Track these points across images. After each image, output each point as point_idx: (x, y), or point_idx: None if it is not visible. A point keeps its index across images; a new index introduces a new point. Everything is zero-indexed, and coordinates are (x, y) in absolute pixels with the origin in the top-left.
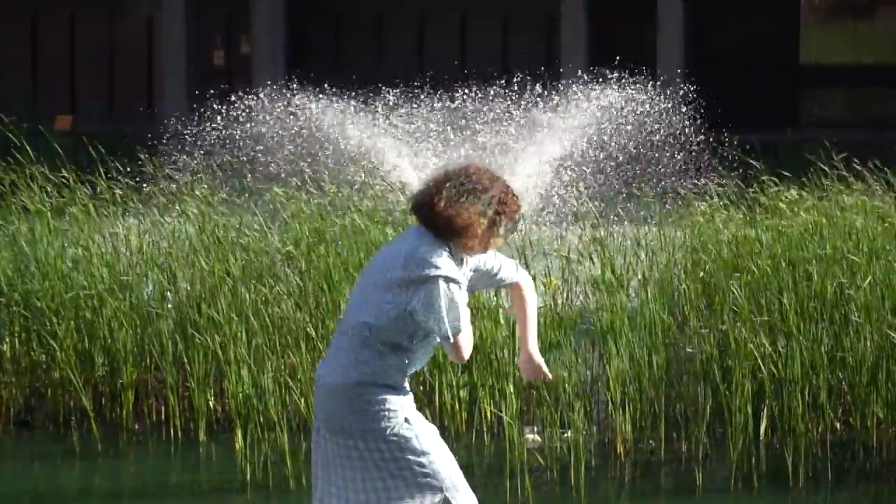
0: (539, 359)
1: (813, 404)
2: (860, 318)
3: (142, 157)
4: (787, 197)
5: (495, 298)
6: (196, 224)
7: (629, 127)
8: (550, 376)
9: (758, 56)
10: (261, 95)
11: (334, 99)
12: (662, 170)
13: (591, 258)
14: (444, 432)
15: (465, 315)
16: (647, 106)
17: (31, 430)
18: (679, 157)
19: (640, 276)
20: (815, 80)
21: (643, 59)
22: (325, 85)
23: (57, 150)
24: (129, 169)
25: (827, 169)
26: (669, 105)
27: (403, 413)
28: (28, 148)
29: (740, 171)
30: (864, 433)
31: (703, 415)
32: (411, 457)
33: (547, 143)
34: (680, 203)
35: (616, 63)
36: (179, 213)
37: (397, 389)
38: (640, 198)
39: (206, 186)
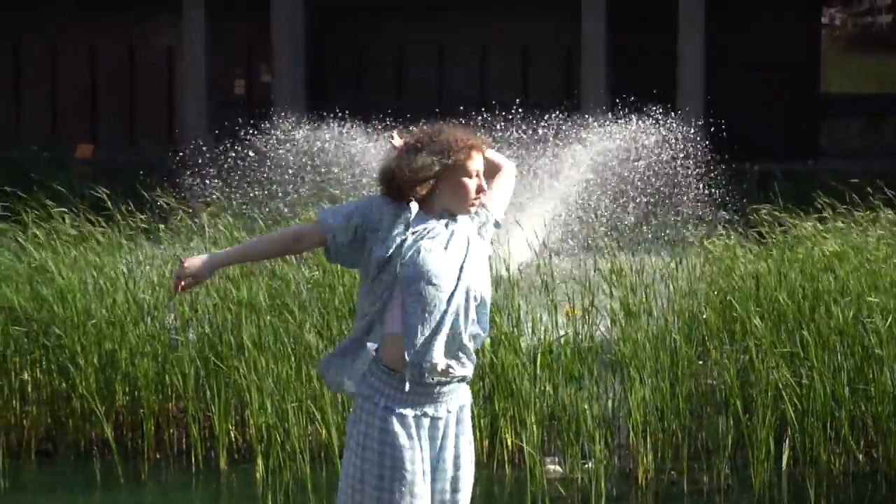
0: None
1: (835, 436)
2: (882, 350)
3: (163, 186)
4: (805, 228)
5: (515, 329)
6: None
7: (648, 160)
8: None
9: (778, 86)
10: (281, 124)
11: (354, 128)
12: (682, 201)
13: (612, 288)
14: None
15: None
16: (667, 139)
17: (52, 460)
18: (699, 189)
19: (661, 306)
20: (835, 110)
21: (663, 91)
22: (346, 114)
23: (77, 179)
24: (149, 198)
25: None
26: (689, 137)
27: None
28: (49, 178)
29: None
30: (886, 464)
31: (724, 445)
32: None
33: (567, 174)
34: (700, 234)
35: (635, 96)
36: (204, 239)
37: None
38: (661, 228)
39: (229, 215)
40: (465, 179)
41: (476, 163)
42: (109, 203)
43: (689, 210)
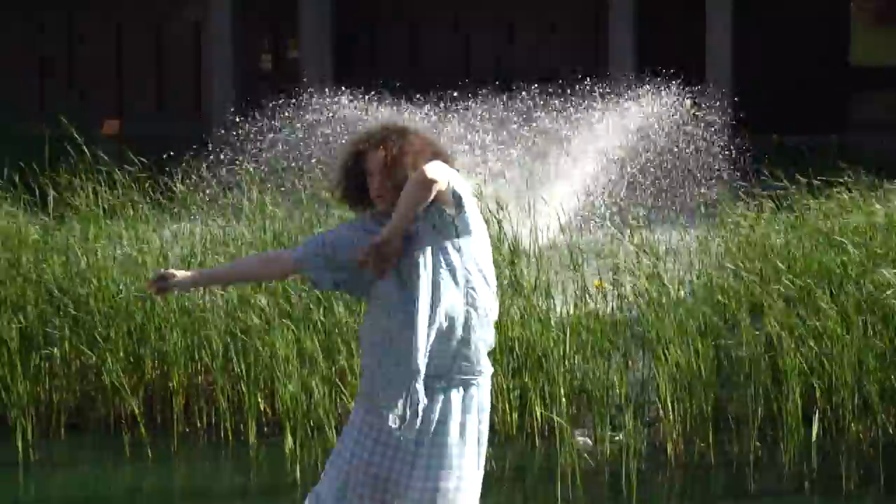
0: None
1: (864, 406)
2: None
3: (189, 161)
4: (830, 200)
5: (545, 302)
6: (249, 226)
7: (672, 133)
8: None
9: (807, 58)
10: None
11: (377, 103)
12: (707, 174)
13: (640, 262)
14: (494, 435)
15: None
16: (694, 111)
17: (82, 434)
18: (723, 161)
19: (688, 280)
20: (864, 82)
21: (692, 61)
22: (369, 88)
23: (105, 153)
24: (177, 172)
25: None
26: (716, 109)
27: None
28: (84, 151)
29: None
30: None
31: (754, 418)
32: None
33: (594, 146)
34: (725, 208)
35: (664, 66)
36: (231, 215)
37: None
38: (691, 202)
39: (266, 188)
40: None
41: (369, 163)
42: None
43: (716, 183)
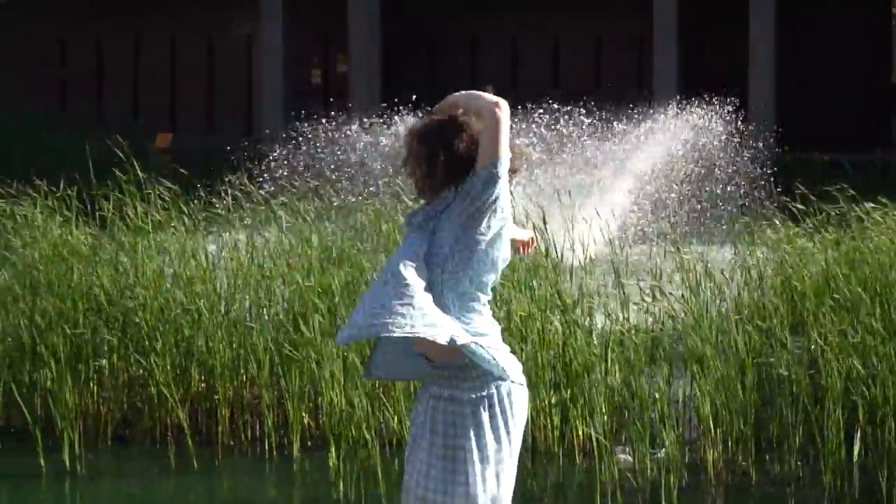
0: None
1: None
2: None
3: (238, 174)
4: (877, 219)
5: (588, 318)
6: (294, 238)
7: (716, 151)
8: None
9: (848, 77)
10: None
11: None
12: (748, 192)
13: (684, 278)
14: (535, 451)
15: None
16: (735, 131)
17: (128, 446)
18: (764, 180)
19: (731, 296)
20: None
21: (734, 79)
22: (419, 104)
23: (157, 167)
24: (226, 186)
25: None
26: (760, 129)
27: None
28: (134, 164)
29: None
30: None
31: (795, 436)
32: None
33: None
34: (765, 224)
35: (707, 87)
36: (279, 227)
37: None
38: (728, 220)
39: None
40: None
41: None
42: (182, 193)
43: (755, 201)
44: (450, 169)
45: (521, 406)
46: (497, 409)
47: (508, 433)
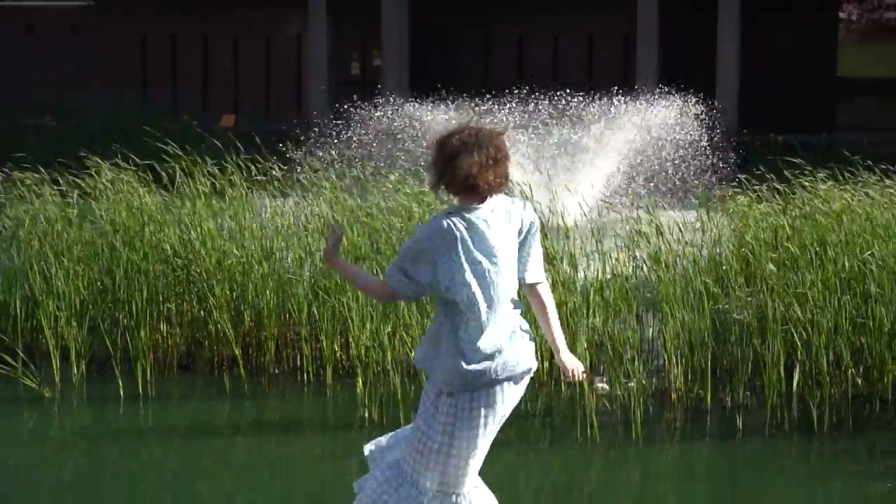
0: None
1: (837, 363)
2: (878, 290)
3: (289, 150)
4: (819, 190)
5: (570, 269)
6: (331, 204)
7: (683, 134)
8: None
9: (801, 70)
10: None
11: (449, 105)
12: (711, 167)
13: (650, 237)
14: (529, 382)
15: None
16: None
17: (191, 374)
18: (730, 157)
19: (693, 253)
20: (849, 91)
21: (705, 72)
22: (442, 92)
23: (222, 142)
24: (277, 159)
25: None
26: (724, 113)
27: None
28: (202, 141)
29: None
30: (881, 388)
31: (743, 371)
32: None
33: (619, 144)
34: (726, 194)
35: (682, 78)
36: (315, 195)
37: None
38: (695, 188)
39: (348, 174)
40: None
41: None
42: (241, 165)
43: (719, 173)
44: None
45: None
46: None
47: None
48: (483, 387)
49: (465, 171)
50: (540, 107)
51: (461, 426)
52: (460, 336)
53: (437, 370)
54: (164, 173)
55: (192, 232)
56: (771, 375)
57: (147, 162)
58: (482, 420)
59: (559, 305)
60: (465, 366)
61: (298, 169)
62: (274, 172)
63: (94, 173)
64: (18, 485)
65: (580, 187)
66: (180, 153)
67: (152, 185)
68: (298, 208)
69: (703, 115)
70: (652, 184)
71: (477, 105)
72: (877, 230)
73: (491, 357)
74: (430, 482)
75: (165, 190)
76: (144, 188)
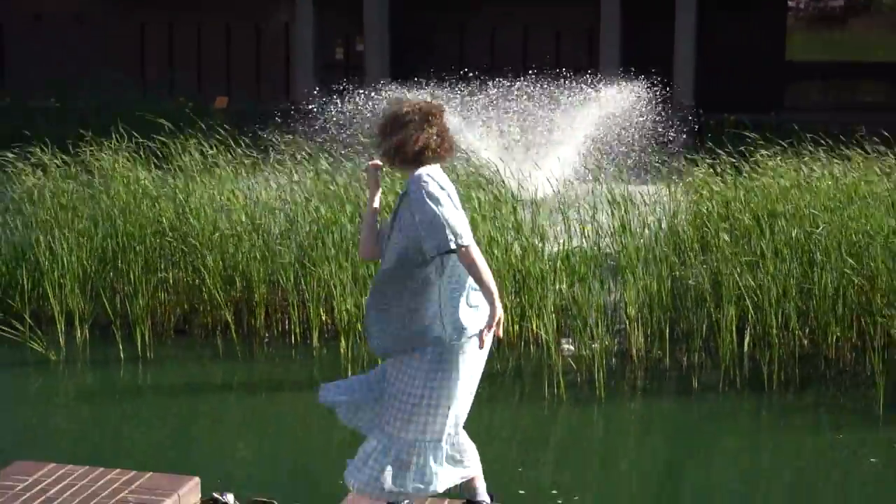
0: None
1: (785, 325)
2: (823, 257)
3: (277, 130)
4: (768, 165)
5: (538, 239)
6: (313, 180)
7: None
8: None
9: (753, 55)
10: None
11: (428, 90)
12: (669, 145)
13: (613, 210)
14: (499, 343)
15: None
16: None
17: (186, 337)
18: (682, 134)
19: (652, 223)
20: (796, 75)
21: (665, 59)
22: (420, 80)
23: (216, 122)
24: (267, 138)
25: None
26: (681, 95)
27: None
28: (196, 122)
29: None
30: (825, 348)
31: (699, 332)
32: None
33: (584, 124)
34: (682, 168)
35: (643, 63)
36: (306, 170)
37: None
38: (653, 164)
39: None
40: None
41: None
42: (232, 143)
43: (678, 149)
44: None
45: None
46: None
47: None
48: (474, 334)
49: (451, 139)
50: (514, 90)
51: (444, 377)
52: (464, 281)
53: (433, 331)
54: (158, 152)
55: (185, 206)
56: (724, 337)
57: (141, 141)
58: (465, 367)
59: (528, 273)
60: (472, 313)
61: (282, 147)
62: (262, 151)
63: (94, 152)
64: (27, 439)
65: (547, 162)
66: (174, 131)
67: (148, 163)
68: (283, 184)
69: (663, 97)
70: (614, 160)
71: (452, 88)
72: (825, 203)
73: (479, 304)
74: (415, 434)
75: (159, 167)
76: (141, 165)
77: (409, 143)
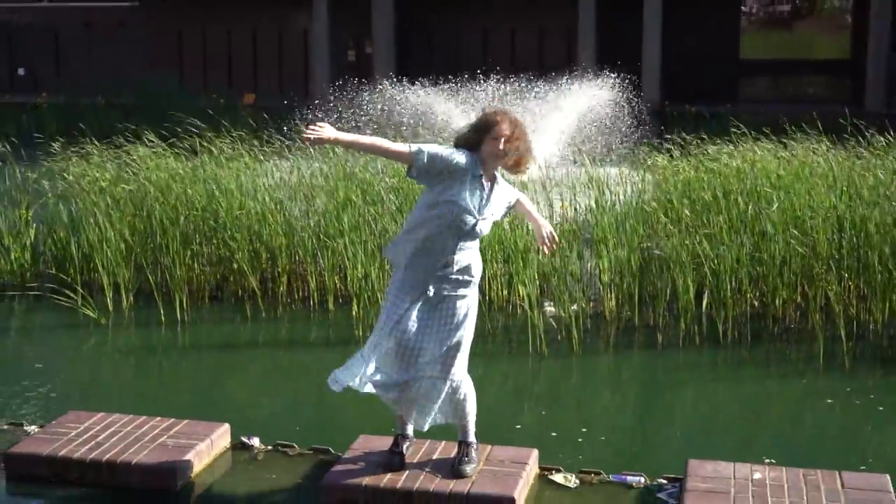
0: (547, 224)
1: (739, 289)
2: (773, 230)
3: (297, 122)
4: (724, 151)
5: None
6: (331, 165)
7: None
8: (555, 236)
9: (710, 52)
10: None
11: (428, 88)
12: (640, 130)
13: (589, 189)
14: (490, 306)
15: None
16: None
17: (220, 303)
18: (647, 123)
19: (622, 200)
20: (749, 71)
21: (634, 56)
22: (421, 79)
23: (243, 116)
24: (288, 129)
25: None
26: (647, 89)
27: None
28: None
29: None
30: (773, 308)
31: (663, 295)
32: None
33: (561, 115)
34: (648, 153)
35: (616, 60)
36: (319, 158)
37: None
38: (624, 150)
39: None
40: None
41: (503, 129)
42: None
43: (645, 137)
44: None
45: None
46: None
47: None
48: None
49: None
50: (503, 86)
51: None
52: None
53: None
54: (195, 144)
55: (216, 190)
56: (685, 299)
57: (179, 132)
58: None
59: (515, 246)
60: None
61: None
62: (283, 140)
63: (135, 144)
64: (80, 392)
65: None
66: (205, 126)
67: (182, 152)
68: (301, 169)
69: (632, 91)
70: (589, 146)
71: (450, 85)
72: (773, 181)
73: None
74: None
75: (193, 155)
76: (174, 155)
77: (527, 159)
